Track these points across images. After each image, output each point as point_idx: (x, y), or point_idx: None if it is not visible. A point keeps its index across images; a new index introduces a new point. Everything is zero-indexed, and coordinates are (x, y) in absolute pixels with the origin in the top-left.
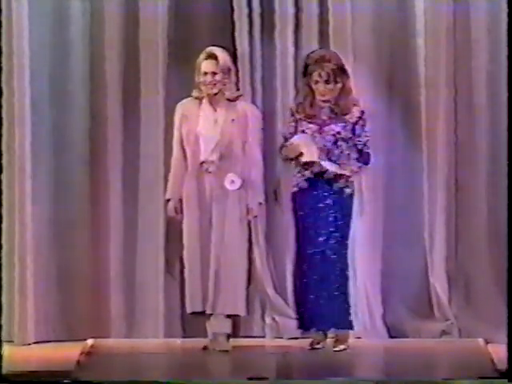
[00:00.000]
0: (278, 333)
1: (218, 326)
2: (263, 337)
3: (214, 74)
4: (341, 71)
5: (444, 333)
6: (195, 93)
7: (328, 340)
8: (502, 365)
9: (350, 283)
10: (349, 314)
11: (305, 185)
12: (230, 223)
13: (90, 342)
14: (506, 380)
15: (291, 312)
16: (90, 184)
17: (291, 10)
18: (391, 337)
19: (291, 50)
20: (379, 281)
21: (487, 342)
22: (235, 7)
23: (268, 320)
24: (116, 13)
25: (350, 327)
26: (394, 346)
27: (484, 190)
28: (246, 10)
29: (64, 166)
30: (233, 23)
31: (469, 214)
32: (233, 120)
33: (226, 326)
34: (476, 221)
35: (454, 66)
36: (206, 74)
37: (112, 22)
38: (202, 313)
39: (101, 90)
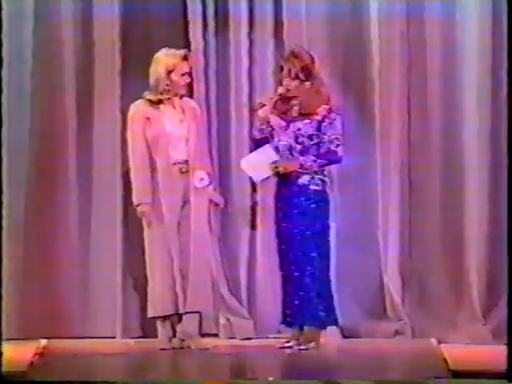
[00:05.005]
0: (232, 333)
1: (192, 326)
2: (216, 335)
3: (189, 74)
4: (309, 70)
5: (397, 333)
6: (151, 95)
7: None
8: (454, 364)
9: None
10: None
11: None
12: (199, 222)
13: (43, 342)
14: (506, 380)
15: (245, 313)
16: (44, 181)
17: (245, 7)
18: (345, 337)
19: (245, 46)
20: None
21: (440, 342)
22: (189, 5)
23: (222, 320)
24: (70, 14)
25: (322, 325)
26: (347, 346)
27: (437, 191)
28: (199, 8)
29: (18, 164)
30: (186, 21)
31: (422, 214)
32: (193, 117)
33: (197, 326)
34: (429, 221)
35: (408, 67)
36: (183, 74)
37: (66, 24)
38: (167, 316)
39: (56, 89)
